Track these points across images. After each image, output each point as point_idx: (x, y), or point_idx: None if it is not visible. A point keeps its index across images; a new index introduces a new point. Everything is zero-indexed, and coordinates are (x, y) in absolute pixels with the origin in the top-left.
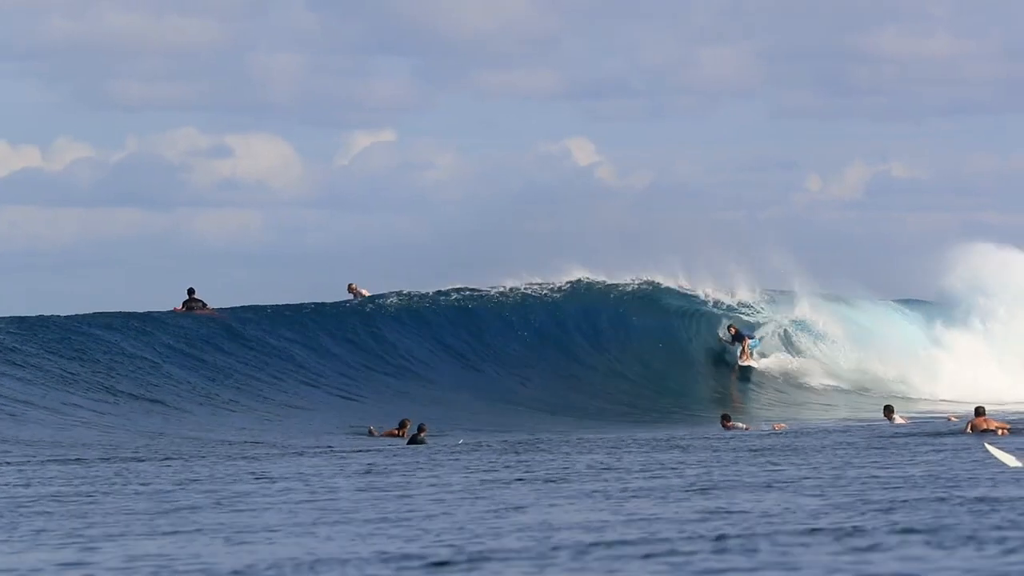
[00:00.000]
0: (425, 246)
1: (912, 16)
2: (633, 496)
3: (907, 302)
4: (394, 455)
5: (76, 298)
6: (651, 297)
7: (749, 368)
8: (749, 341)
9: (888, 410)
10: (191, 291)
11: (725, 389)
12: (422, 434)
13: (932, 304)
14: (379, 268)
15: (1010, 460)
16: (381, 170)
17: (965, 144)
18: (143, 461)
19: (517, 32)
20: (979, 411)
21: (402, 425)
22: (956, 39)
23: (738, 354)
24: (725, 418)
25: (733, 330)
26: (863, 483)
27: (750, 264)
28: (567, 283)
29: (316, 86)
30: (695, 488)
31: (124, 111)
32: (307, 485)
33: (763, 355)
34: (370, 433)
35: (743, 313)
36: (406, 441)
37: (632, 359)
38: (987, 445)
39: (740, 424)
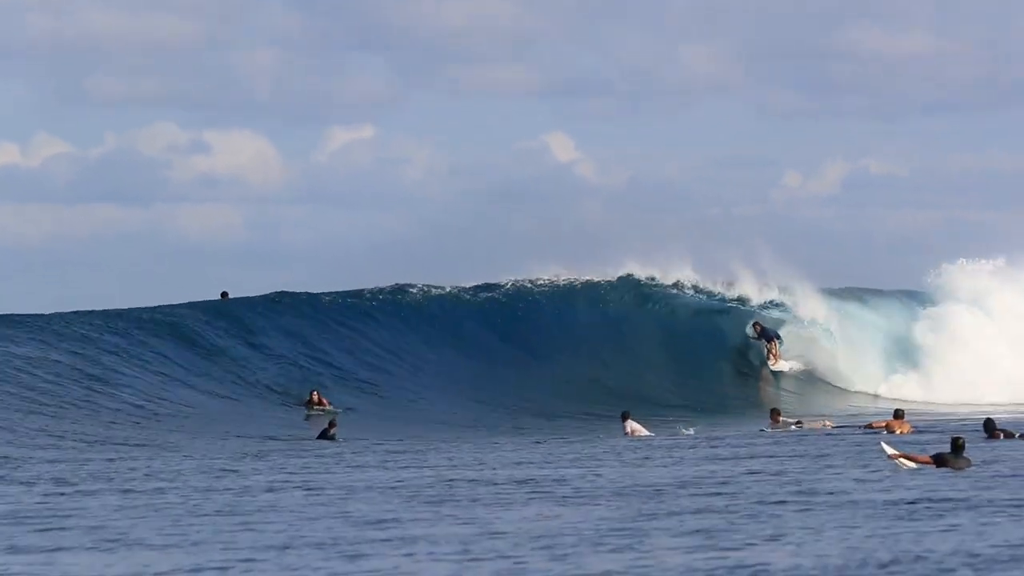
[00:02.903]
0: (405, 242)
1: (891, 14)
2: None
3: (887, 293)
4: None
5: (54, 296)
6: (644, 294)
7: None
8: (776, 342)
9: (774, 412)
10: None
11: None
12: (332, 430)
13: (912, 296)
14: (358, 264)
15: (903, 462)
16: (360, 166)
17: (944, 141)
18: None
19: (495, 29)
20: (898, 413)
21: (310, 396)
22: (936, 37)
23: (766, 355)
24: (624, 416)
25: (759, 328)
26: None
27: (734, 260)
28: (546, 280)
29: (294, 82)
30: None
31: (102, 107)
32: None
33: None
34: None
35: (741, 308)
36: (316, 435)
37: (622, 356)
38: (882, 443)
39: (635, 427)
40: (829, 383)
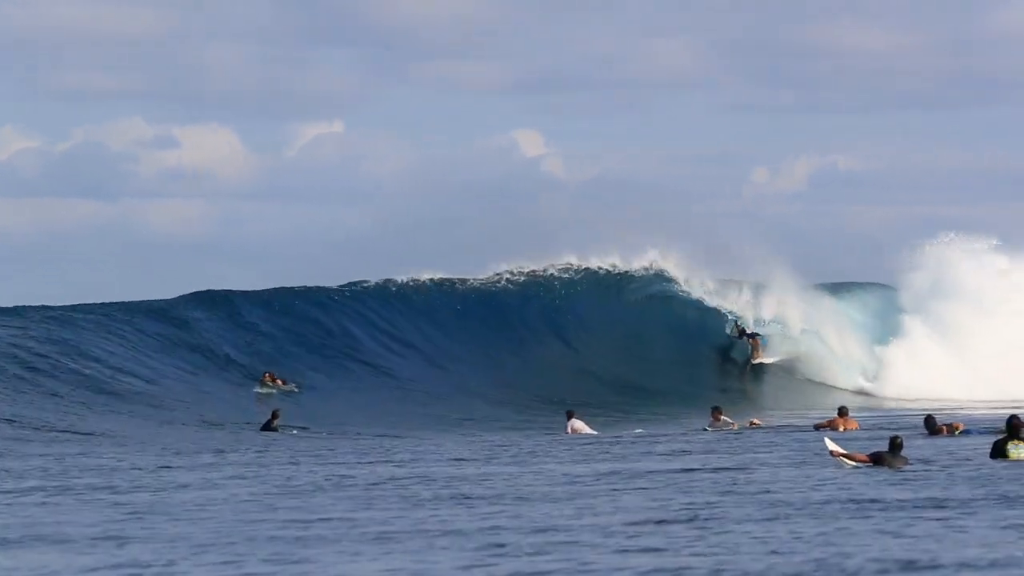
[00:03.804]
0: (374, 237)
1: (860, 10)
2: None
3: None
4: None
5: (22, 290)
6: (620, 287)
7: (735, 362)
8: (759, 339)
9: (715, 410)
10: None
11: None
12: (275, 421)
13: (881, 289)
14: (326, 258)
15: (844, 461)
16: (328, 161)
17: (912, 138)
18: None
19: (465, 24)
20: (842, 411)
21: (263, 376)
22: (905, 34)
23: (750, 352)
24: (569, 414)
25: (739, 327)
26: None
27: (709, 255)
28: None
29: (262, 77)
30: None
31: (69, 101)
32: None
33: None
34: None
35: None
36: (260, 427)
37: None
38: (826, 440)
39: (577, 425)
40: (813, 379)
